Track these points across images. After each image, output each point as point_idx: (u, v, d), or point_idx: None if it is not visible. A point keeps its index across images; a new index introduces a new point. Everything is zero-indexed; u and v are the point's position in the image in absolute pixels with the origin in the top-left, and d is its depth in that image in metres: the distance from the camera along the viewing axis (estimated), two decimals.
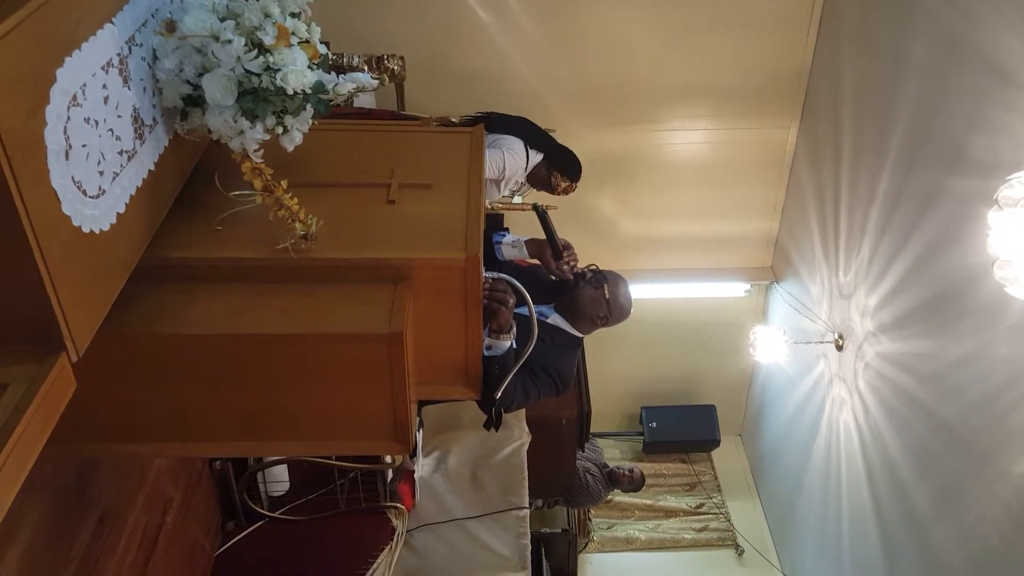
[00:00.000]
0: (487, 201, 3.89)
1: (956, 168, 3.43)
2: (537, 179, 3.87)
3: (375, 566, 3.43)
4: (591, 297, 2.43)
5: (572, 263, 2.53)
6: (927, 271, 3.74)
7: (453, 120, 3.89)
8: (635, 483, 5.62)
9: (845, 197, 4.54)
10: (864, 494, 4.43)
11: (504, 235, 2.60)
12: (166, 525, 2.90)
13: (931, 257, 3.69)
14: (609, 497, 6.30)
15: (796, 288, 5.35)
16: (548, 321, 2.44)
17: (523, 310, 2.03)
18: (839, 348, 4.71)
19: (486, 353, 1.99)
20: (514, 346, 2.06)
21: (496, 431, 2.28)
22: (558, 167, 3.80)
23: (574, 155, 3.86)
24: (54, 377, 1.32)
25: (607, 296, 2.41)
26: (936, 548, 3.71)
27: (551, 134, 4.10)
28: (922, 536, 3.83)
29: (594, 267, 2.51)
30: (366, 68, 3.86)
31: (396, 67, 3.96)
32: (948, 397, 3.59)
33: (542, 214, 2.55)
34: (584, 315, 2.46)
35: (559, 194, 3.91)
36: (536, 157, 3.77)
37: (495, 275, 1.95)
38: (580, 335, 2.51)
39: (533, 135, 3.77)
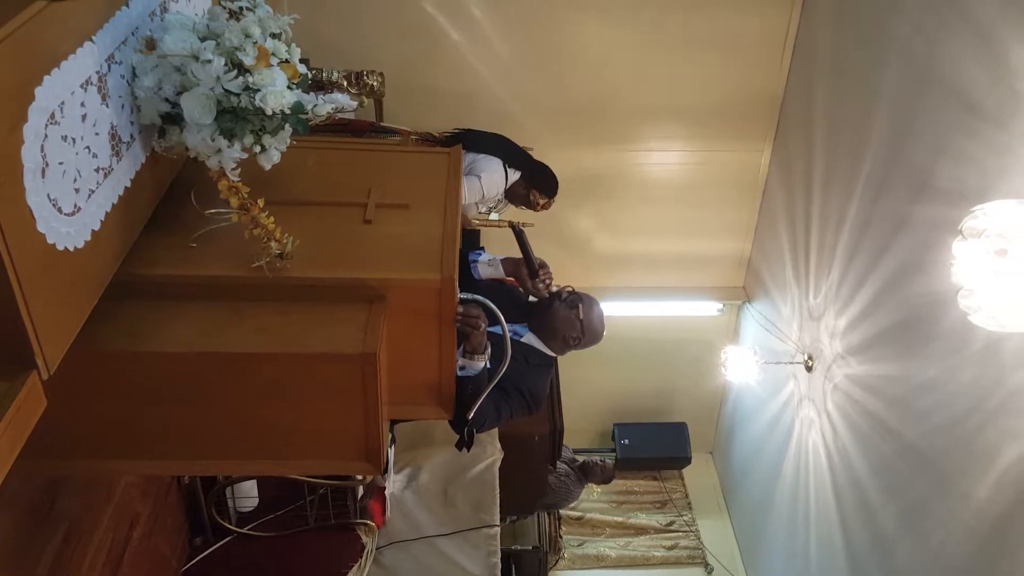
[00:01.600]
0: (463, 216, 3.91)
1: (923, 195, 3.51)
2: (516, 196, 3.91)
3: None
4: (565, 317, 2.45)
5: (547, 282, 2.55)
6: (895, 296, 3.81)
7: (434, 135, 3.92)
8: (607, 473, 5.64)
9: (816, 220, 4.62)
10: (832, 513, 4.48)
11: (480, 254, 2.62)
12: (133, 540, 2.87)
13: (899, 282, 3.76)
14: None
15: (767, 308, 5.42)
16: (522, 340, 2.45)
17: (497, 329, 2.05)
18: (808, 369, 4.77)
19: (459, 373, 2.01)
20: (488, 366, 2.08)
21: (468, 451, 2.28)
22: (536, 185, 3.84)
23: (551, 172, 3.90)
24: (24, 395, 1.32)
25: (581, 317, 2.44)
26: (902, 568, 3.76)
27: (529, 152, 4.14)
28: (888, 556, 3.88)
29: (570, 288, 2.54)
30: (345, 83, 3.87)
31: (375, 83, 3.98)
32: (914, 420, 3.66)
33: (519, 232, 2.57)
34: (557, 335, 2.48)
35: (538, 210, 3.95)
36: (514, 175, 3.81)
37: (469, 296, 1.97)
38: (553, 355, 2.53)
39: (510, 153, 3.81)
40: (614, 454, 6.47)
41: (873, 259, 3.98)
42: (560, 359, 2.79)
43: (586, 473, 5.53)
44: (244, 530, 3.46)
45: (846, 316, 4.30)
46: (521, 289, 2.61)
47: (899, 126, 3.71)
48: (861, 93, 4.04)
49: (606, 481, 5.72)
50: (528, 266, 2.55)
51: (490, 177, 3.61)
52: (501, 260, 2.65)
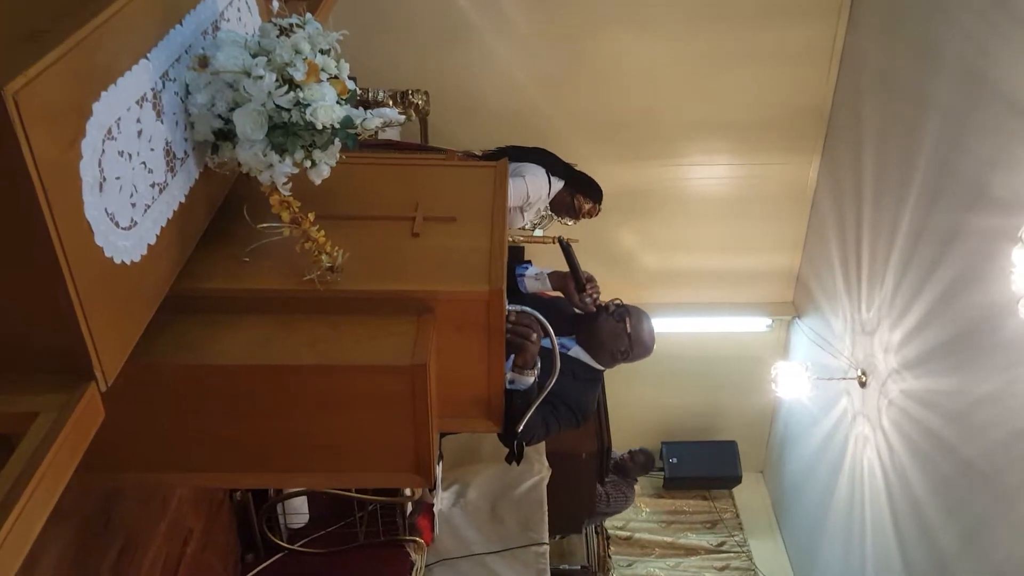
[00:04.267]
0: (509, 230, 3.91)
1: (978, 205, 3.42)
2: (560, 205, 3.89)
3: None
4: (612, 330, 2.42)
5: (595, 296, 2.53)
6: (951, 308, 3.70)
7: (476, 153, 3.94)
8: (647, 463, 5.55)
9: (867, 233, 4.52)
10: (888, 533, 4.34)
11: (527, 267, 2.61)
12: (186, 556, 2.90)
13: (955, 293, 3.66)
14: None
15: (818, 323, 5.31)
16: (570, 353, 2.43)
17: (545, 343, 2.03)
18: (862, 385, 4.66)
19: (508, 387, 1.99)
20: (537, 380, 2.06)
21: (518, 464, 2.26)
22: (580, 190, 3.83)
23: (593, 180, 3.89)
24: (83, 406, 1.33)
25: (629, 331, 2.41)
26: None
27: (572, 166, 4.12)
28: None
29: (618, 301, 2.51)
30: (391, 103, 3.92)
31: (420, 101, 4.03)
32: (973, 435, 3.54)
33: (565, 246, 2.56)
34: (605, 348, 2.45)
35: (583, 217, 3.92)
36: (558, 184, 3.79)
37: (519, 308, 1.96)
38: (601, 368, 2.50)
39: (552, 163, 3.81)
40: (662, 484, 6.39)
41: (927, 270, 3.88)
42: (608, 377, 2.76)
43: (626, 471, 5.46)
44: (295, 547, 3.48)
45: (900, 329, 4.19)
46: (568, 303, 2.60)
47: (951, 135, 3.63)
48: (911, 103, 3.96)
49: (647, 468, 5.61)
50: (575, 280, 2.53)
51: (534, 180, 3.60)
52: (548, 274, 2.64)
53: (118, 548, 2.35)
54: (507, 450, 2.18)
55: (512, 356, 2.00)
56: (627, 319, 2.42)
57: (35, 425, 1.28)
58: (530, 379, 2.01)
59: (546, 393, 2.03)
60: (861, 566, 4.71)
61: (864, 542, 4.67)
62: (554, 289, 2.63)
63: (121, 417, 1.55)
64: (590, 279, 2.52)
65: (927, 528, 3.92)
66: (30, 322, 1.35)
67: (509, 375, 1.99)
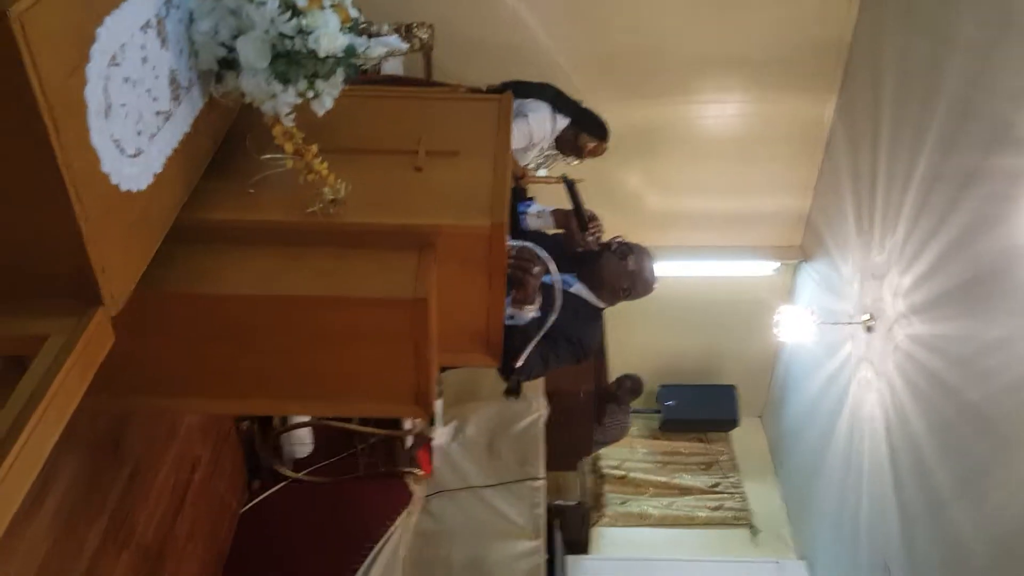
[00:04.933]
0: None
1: (1000, 146, 3.36)
2: (565, 143, 3.84)
3: (393, 528, 3.50)
4: (615, 268, 2.44)
5: (597, 234, 2.54)
6: (965, 252, 3.68)
7: (480, 89, 3.89)
8: (635, 388, 5.62)
9: (882, 174, 4.46)
10: (886, 476, 4.42)
11: (530, 205, 2.62)
12: (194, 482, 2.98)
13: (970, 237, 3.63)
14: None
15: (826, 268, 5.31)
16: (571, 290, 2.45)
17: (546, 279, 2.05)
18: (868, 330, 4.67)
19: (508, 322, 2.02)
20: (537, 316, 2.09)
21: (516, 399, 2.31)
22: (584, 128, 3.78)
23: (599, 116, 3.83)
24: (93, 329, 1.37)
25: (631, 268, 2.42)
26: (956, 532, 3.70)
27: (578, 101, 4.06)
28: (942, 519, 3.82)
29: (620, 238, 2.52)
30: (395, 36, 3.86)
31: (424, 36, 3.97)
32: (979, 380, 3.56)
33: (570, 184, 2.55)
34: (607, 286, 2.46)
35: (587, 156, 3.87)
36: (563, 121, 3.74)
37: (520, 244, 1.97)
38: (602, 305, 2.52)
39: (558, 99, 3.75)
40: (658, 425, 6.47)
41: (943, 214, 3.85)
42: (608, 318, 2.77)
43: (617, 399, 5.51)
44: (300, 475, 3.57)
45: (911, 274, 4.18)
46: (570, 241, 2.60)
47: (975, 73, 3.54)
48: (934, 37, 3.85)
49: (637, 393, 5.69)
50: (578, 218, 2.54)
51: (538, 119, 3.56)
52: (551, 211, 2.64)
53: (128, 473, 2.42)
54: (506, 384, 2.22)
55: (512, 291, 2.02)
56: (629, 257, 2.43)
57: (46, 347, 1.32)
58: (529, 315, 2.04)
59: (547, 329, 2.06)
60: (855, 509, 4.81)
61: (860, 485, 4.76)
62: (557, 227, 2.64)
63: (130, 343, 1.59)
64: (593, 217, 2.52)
65: (924, 471, 3.99)
66: (40, 247, 1.37)
67: (509, 310, 2.02)
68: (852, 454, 4.90)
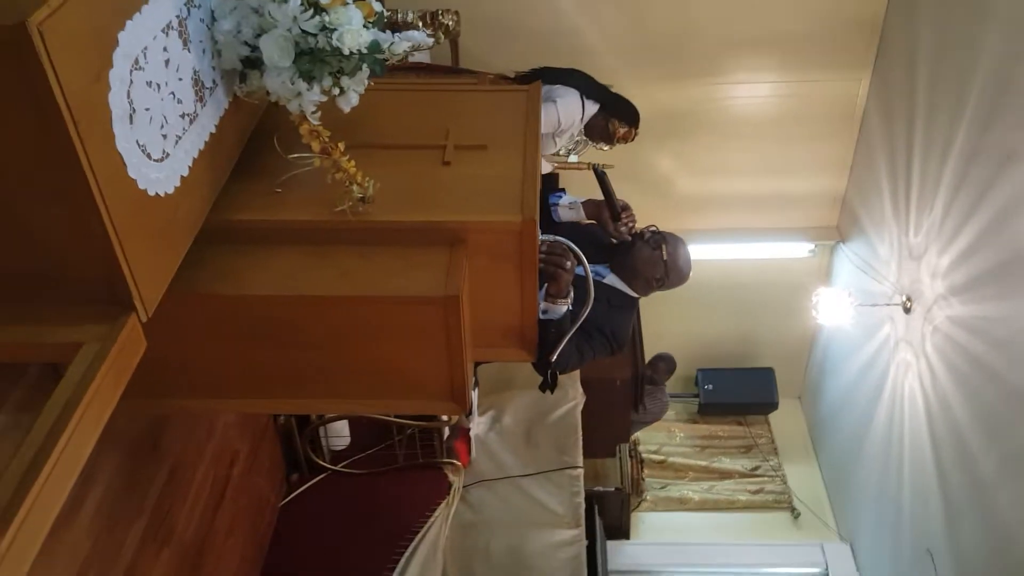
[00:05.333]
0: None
1: None
2: (595, 130, 3.79)
3: (433, 519, 3.51)
4: (648, 258, 2.39)
5: (630, 224, 2.49)
6: (1004, 231, 3.58)
7: (508, 76, 3.85)
8: (669, 366, 5.61)
9: (919, 152, 4.35)
10: (927, 459, 4.33)
11: (561, 196, 2.57)
12: (233, 477, 3.01)
13: (1008, 216, 3.53)
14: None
15: (863, 248, 5.19)
16: (604, 281, 2.41)
17: (579, 271, 2.01)
18: (907, 311, 4.57)
19: (542, 317, 1.99)
20: (570, 309, 2.05)
21: (552, 393, 2.28)
22: (615, 114, 3.72)
23: (630, 102, 3.77)
24: (125, 336, 1.37)
25: (665, 258, 2.37)
26: (1001, 516, 3.62)
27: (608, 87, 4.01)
28: (987, 503, 3.73)
29: (653, 228, 2.47)
30: (420, 24, 3.83)
31: (451, 22, 3.92)
32: (1020, 363, 3.47)
33: (600, 174, 2.51)
34: (640, 276, 2.42)
35: (618, 142, 3.82)
36: (592, 107, 3.68)
37: (552, 238, 1.94)
38: (636, 295, 2.48)
39: (587, 85, 3.69)
40: (696, 409, 6.42)
41: (980, 192, 3.74)
42: (644, 305, 2.72)
43: (653, 380, 5.48)
44: (338, 467, 3.59)
45: (949, 254, 4.08)
46: (603, 231, 2.56)
47: (1012, 48, 3.43)
48: (970, 12, 3.74)
49: (671, 370, 5.66)
50: (610, 208, 2.49)
51: (566, 105, 3.50)
52: (582, 203, 2.60)
53: (167, 471, 2.44)
54: (541, 380, 2.19)
55: (545, 285, 1.99)
56: (663, 246, 2.38)
57: (80, 355, 1.32)
58: (563, 308, 2.00)
59: (581, 322, 2.03)
60: (897, 491, 4.72)
61: (902, 467, 4.67)
62: (589, 218, 2.59)
63: (164, 346, 1.59)
64: (625, 207, 2.47)
65: (967, 455, 3.90)
66: (70, 254, 1.37)
67: (543, 304, 1.98)
68: (892, 437, 4.81)
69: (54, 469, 1.17)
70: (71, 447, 1.22)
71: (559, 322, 2.01)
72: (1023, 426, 3.46)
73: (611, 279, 2.44)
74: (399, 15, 3.70)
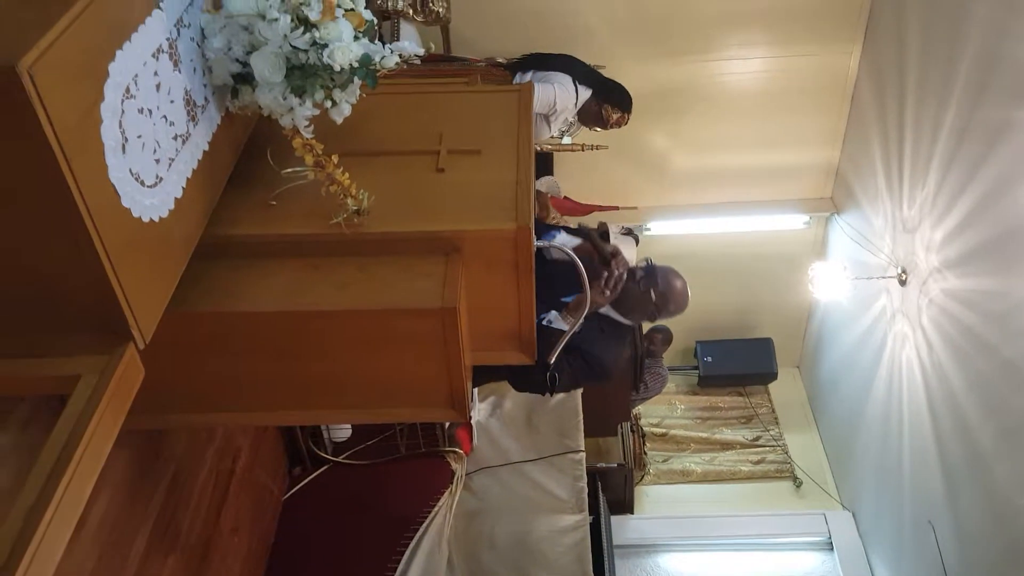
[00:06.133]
0: (536, 141, 3.82)
1: None
2: (588, 115, 3.78)
3: (437, 508, 3.54)
4: (639, 298, 2.38)
5: (617, 284, 2.39)
6: (996, 205, 3.58)
7: (500, 62, 3.82)
8: (665, 337, 5.65)
9: (910, 125, 4.34)
10: (926, 429, 4.37)
11: (554, 236, 2.52)
12: (236, 473, 3.03)
13: (1001, 190, 3.53)
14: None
15: (858, 220, 5.20)
16: (600, 311, 2.41)
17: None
18: (902, 283, 4.59)
19: (543, 324, 2.00)
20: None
21: (551, 395, 2.29)
22: (608, 99, 3.71)
23: (623, 87, 3.76)
24: (123, 367, 1.37)
25: (654, 299, 2.37)
26: (1000, 486, 3.67)
27: (600, 71, 3.99)
28: (985, 474, 3.78)
29: (644, 263, 2.43)
30: (411, 11, 3.78)
31: (441, 9, 3.88)
32: (1015, 336, 3.49)
33: (586, 234, 2.43)
34: (634, 312, 2.44)
35: (611, 127, 3.82)
36: (585, 92, 3.68)
37: (547, 244, 1.95)
38: (630, 323, 2.48)
39: (579, 71, 3.68)
40: (696, 382, 6.45)
41: (973, 166, 3.73)
42: None
43: (652, 353, 5.51)
44: (340, 459, 3.62)
45: (943, 228, 4.08)
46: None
47: (1002, 20, 3.40)
48: None
49: (668, 341, 5.69)
50: (600, 256, 2.41)
51: (562, 89, 3.49)
52: (572, 248, 2.55)
53: (170, 477, 2.46)
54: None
55: (567, 305, 2.04)
56: (652, 290, 2.36)
57: (78, 389, 1.32)
58: (566, 326, 2.03)
59: (579, 323, 2.04)
60: (898, 460, 4.77)
61: (901, 436, 4.71)
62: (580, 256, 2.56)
63: (163, 363, 1.60)
64: (616, 253, 2.39)
65: (965, 426, 3.94)
66: (66, 285, 1.38)
67: (552, 314, 2.01)
68: (891, 406, 4.85)
69: (58, 508, 1.19)
70: (74, 485, 1.23)
71: (555, 330, 2.03)
72: (1018, 398, 3.49)
73: (607, 309, 2.44)
74: (389, 3, 3.66)
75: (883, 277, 4.75)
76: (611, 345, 2.41)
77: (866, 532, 5.47)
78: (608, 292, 2.21)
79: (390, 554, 3.33)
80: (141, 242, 1.44)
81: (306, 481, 3.55)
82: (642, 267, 2.42)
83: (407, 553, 3.32)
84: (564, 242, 2.46)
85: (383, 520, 3.44)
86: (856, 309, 5.28)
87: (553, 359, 2.04)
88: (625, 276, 2.24)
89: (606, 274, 2.22)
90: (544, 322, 2.16)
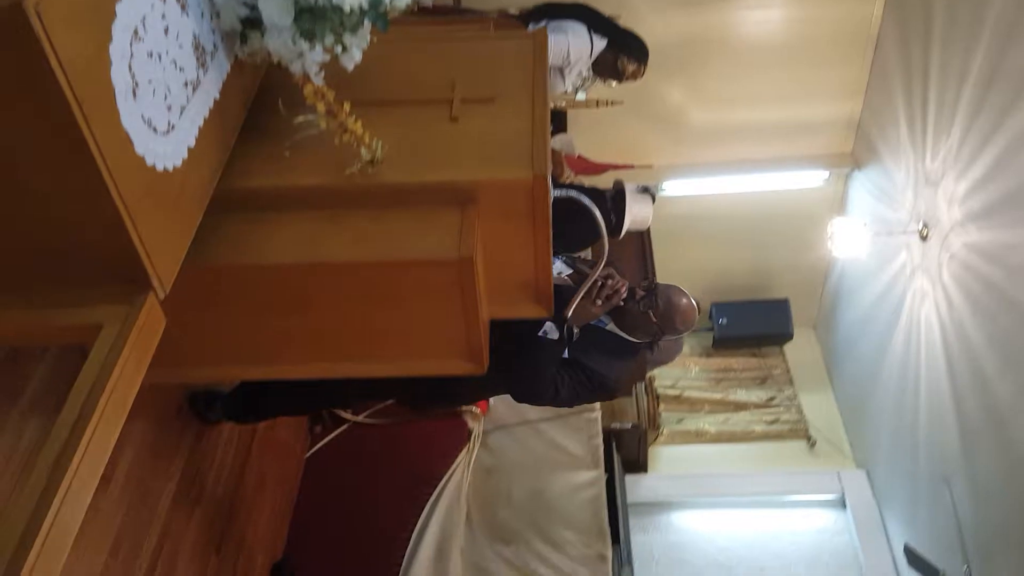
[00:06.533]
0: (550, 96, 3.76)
1: None
2: (604, 66, 3.69)
3: (455, 465, 3.57)
4: (641, 319, 2.36)
5: (606, 294, 2.34)
6: (1022, 155, 3.51)
7: (512, 13, 3.74)
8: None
9: (935, 76, 4.23)
10: (943, 386, 4.34)
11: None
12: (258, 432, 3.06)
13: None
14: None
15: (879, 175, 5.11)
16: (606, 328, 2.40)
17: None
18: (923, 239, 4.52)
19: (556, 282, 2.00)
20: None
21: (569, 346, 2.27)
22: (623, 50, 3.62)
23: (639, 37, 3.67)
24: (145, 315, 1.37)
25: (655, 320, 2.35)
26: (1017, 443, 3.64)
27: (615, 19, 3.90)
28: (1003, 430, 3.75)
29: (646, 284, 2.39)
30: None
31: None
32: None
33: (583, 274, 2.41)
34: (637, 332, 2.42)
35: (627, 79, 3.73)
36: (600, 43, 3.59)
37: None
38: (636, 341, 2.46)
39: (594, 20, 3.59)
40: (711, 343, 6.41)
41: (1001, 113, 3.64)
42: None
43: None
44: (360, 418, 3.64)
45: (967, 180, 4.00)
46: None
47: None
48: None
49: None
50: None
51: (576, 39, 3.41)
52: (567, 275, 2.53)
53: (193, 434, 2.48)
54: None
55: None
56: (652, 312, 2.34)
57: (100, 338, 1.32)
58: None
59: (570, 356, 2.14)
60: (914, 418, 4.75)
61: (918, 394, 4.69)
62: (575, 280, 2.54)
63: (183, 317, 1.60)
64: (610, 276, 2.34)
65: (984, 381, 3.90)
66: (85, 235, 1.36)
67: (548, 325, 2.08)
68: (909, 365, 4.81)
69: (85, 455, 1.19)
70: (100, 432, 1.23)
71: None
72: None
73: (612, 327, 2.43)
74: None
75: (904, 232, 4.68)
76: (614, 362, 2.39)
77: (880, 490, 5.47)
78: (600, 302, 2.20)
79: (410, 510, 3.37)
80: (156, 191, 1.42)
81: (327, 440, 3.58)
82: (643, 287, 2.39)
83: (426, 508, 3.35)
84: (560, 270, 2.44)
85: (403, 477, 3.47)
86: (875, 267, 5.22)
87: (570, 312, 2.02)
88: (624, 292, 2.23)
89: (599, 285, 2.21)
90: (539, 332, 2.19)
